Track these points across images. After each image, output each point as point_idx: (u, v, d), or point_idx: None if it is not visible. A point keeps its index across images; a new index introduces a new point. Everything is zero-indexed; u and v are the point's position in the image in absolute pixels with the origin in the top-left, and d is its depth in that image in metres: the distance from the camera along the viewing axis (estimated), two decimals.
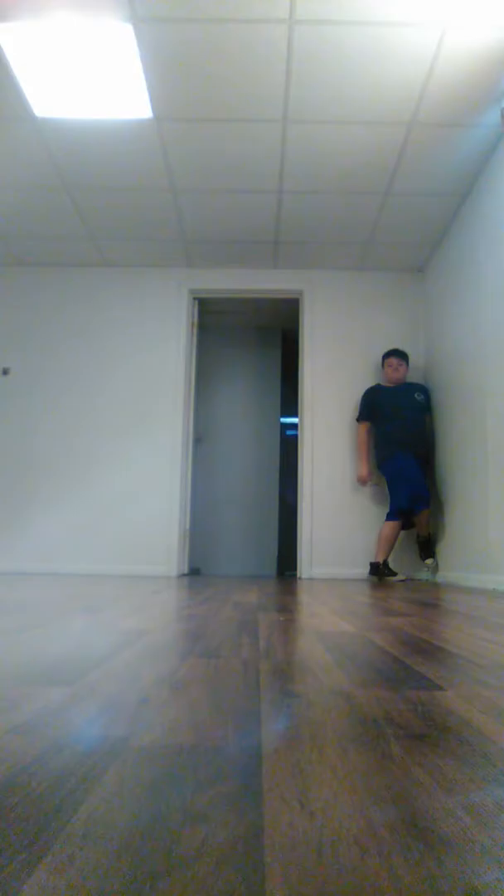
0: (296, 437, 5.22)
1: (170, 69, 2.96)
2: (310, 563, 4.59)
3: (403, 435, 4.32)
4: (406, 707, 0.74)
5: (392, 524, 4.24)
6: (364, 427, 4.52)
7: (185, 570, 4.86)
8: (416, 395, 4.44)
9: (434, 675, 0.93)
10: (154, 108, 3.23)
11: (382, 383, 4.57)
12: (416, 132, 3.37)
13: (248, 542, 5.82)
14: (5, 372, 4.87)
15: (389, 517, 4.27)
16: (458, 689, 0.84)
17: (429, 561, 4.33)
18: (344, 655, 1.10)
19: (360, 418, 4.54)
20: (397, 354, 4.52)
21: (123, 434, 4.79)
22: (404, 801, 0.47)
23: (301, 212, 4.19)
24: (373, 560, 4.32)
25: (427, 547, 4.34)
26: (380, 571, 4.19)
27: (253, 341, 6.23)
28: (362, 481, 4.53)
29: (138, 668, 0.96)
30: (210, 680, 0.88)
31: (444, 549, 4.25)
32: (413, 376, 4.68)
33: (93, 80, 3.03)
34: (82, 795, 0.47)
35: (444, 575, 4.17)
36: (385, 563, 4.23)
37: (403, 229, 4.36)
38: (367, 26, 2.71)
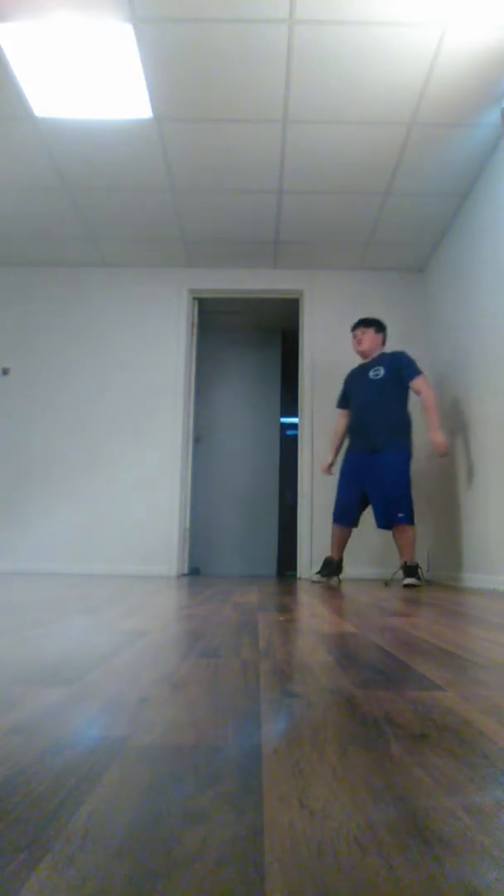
0: (296, 437, 5.21)
1: (170, 69, 2.96)
2: (310, 563, 4.59)
3: (355, 427, 3.85)
4: (406, 707, 0.74)
5: (336, 529, 3.87)
6: (340, 415, 4.07)
7: (185, 570, 4.86)
8: (371, 374, 3.83)
9: (434, 675, 0.93)
10: (154, 108, 3.23)
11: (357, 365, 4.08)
12: (416, 132, 3.37)
13: (248, 542, 5.82)
14: (5, 372, 4.87)
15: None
16: (458, 689, 0.84)
17: (322, 578, 3.80)
18: (344, 655, 1.10)
19: (337, 405, 4.14)
20: (359, 324, 3.98)
21: (123, 434, 4.79)
22: (404, 801, 0.47)
23: (301, 212, 4.18)
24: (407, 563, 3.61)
25: (326, 567, 3.82)
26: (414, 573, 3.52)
27: (253, 341, 6.22)
28: (324, 469, 4.06)
29: (138, 668, 0.96)
30: (210, 680, 0.88)
31: (444, 549, 4.25)
32: None
33: (93, 80, 3.03)
34: (82, 795, 0.47)
35: (443, 575, 4.17)
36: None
37: (403, 229, 4.36)
38: (367, 26, 2.71)
